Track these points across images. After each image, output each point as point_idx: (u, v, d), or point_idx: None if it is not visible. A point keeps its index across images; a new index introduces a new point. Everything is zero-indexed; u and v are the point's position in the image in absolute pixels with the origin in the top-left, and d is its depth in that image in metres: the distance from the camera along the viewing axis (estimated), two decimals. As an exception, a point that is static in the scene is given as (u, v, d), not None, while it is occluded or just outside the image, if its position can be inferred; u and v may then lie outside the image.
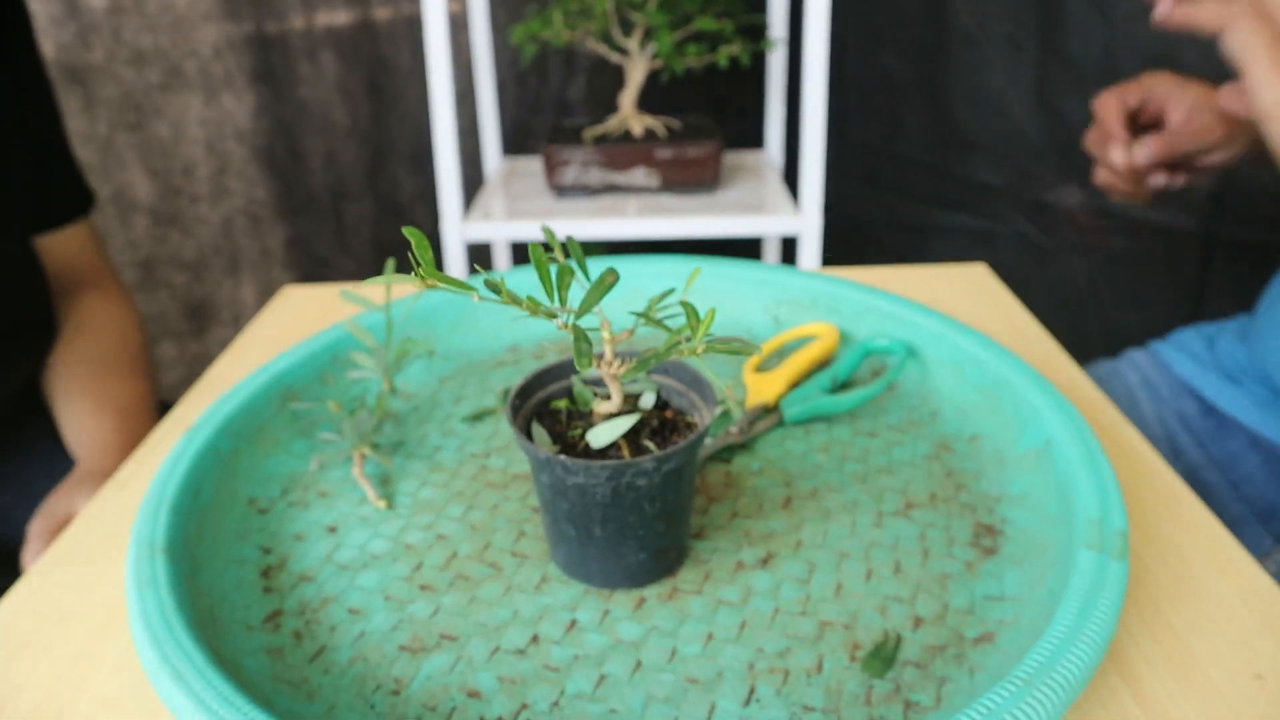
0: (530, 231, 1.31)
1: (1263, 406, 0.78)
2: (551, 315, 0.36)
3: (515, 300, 0.36)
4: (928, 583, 0.45)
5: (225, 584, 0.46)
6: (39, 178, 0.83)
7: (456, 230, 1.32)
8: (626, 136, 1.43)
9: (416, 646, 0.42)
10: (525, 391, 0.46)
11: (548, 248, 0.40)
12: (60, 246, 0.87)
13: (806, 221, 1.30)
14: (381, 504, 0.52)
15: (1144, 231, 1.53)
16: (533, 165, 1.50)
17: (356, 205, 1.56)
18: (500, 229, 1.34)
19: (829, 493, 0.52)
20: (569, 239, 0.42)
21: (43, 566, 0.49)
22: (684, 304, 0.37)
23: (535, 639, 0.43)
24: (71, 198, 0.88)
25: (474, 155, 1.54)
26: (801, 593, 0.45)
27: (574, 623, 0.43)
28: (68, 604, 0.47)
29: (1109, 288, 1.62)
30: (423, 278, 0.34)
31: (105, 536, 0.52)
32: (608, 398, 0.44)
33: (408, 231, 0.36)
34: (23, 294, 0.82)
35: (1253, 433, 0.79)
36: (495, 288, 0.36)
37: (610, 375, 0.41)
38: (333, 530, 0.51)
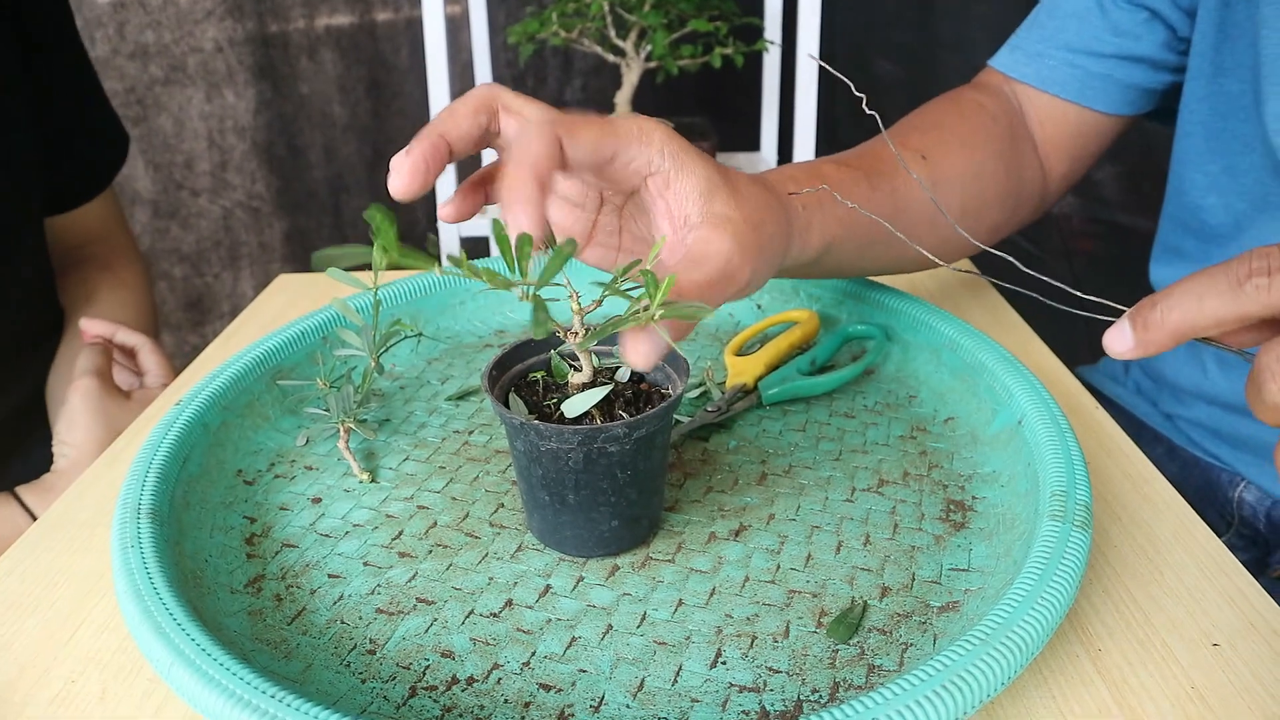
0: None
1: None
2: (509, 286, 0.37)
3: (475, 273, 0.37)
4: (896, 555, 0.46)
5: (209, 549, 0.47)
6: (81, 131, 0.84)
7: (452, 225, 1.34)
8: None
9: (393, 609, 0.43)
10: (503, 363, 0.47)
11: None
12: (87, 214, 0.88)
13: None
14: (365, 477, 0.53)
15: (1130, 236, 1.54)
16: (530, 163, 1.52)
17: (355, 200, 1.57)
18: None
19: (803, 470, 0.53)
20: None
21: (33, 533, 0.51)
22: (644, 272, 0.38)
23: (509, 603, 0.44)
24: (111, 144, 0.89)
25: (473, 154, 1.55)
26: (772, 563, 0.46)
27: (548, 588, 0.44)
28: (57, 567, 0.48)
29: (1094, 293, 1.63)
30: (385, 250, 0.35)
31: (96, 505, 0.53)
32: (582, 370, 0.45)
33: (372, 209, 0.37)
34: (41, 289, 0.83)
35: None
36: (456, 262, 0.37)
37: (577, 345, 0.42)
38: (317, 501, 0.52)
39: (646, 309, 0.37)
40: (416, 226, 1.64)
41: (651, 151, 0.44)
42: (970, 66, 0.81)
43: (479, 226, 1.34)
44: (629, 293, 0.39)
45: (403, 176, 0.43)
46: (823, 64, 0.42)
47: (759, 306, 0.71)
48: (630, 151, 0.44)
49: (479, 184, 0.48)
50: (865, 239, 0.57)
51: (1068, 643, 0.42)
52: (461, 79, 1.53)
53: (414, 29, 1.55)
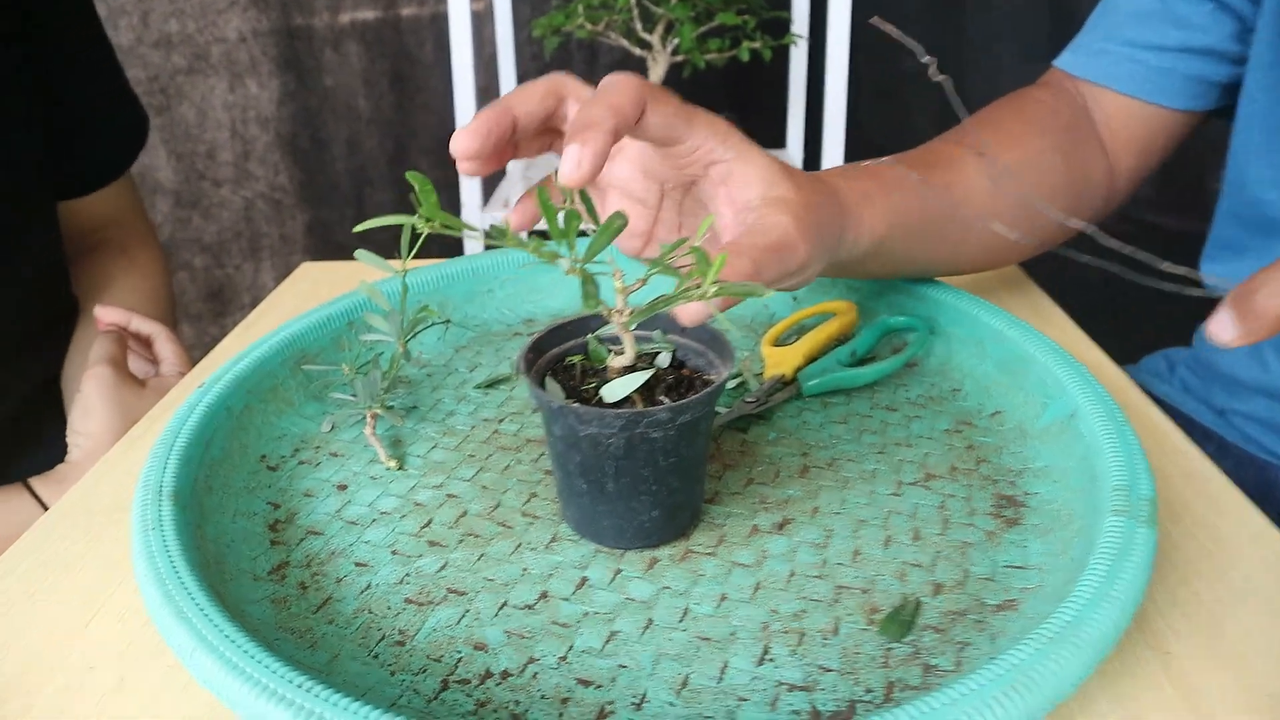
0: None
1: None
2: (554, 258, 0.35)
3: (521, 244, 0.35)
4: (948, 550, 0.44)
5: (232, 534, 0.45)
6: (101, 115, 0.82)
7: (476, 218, 1.32)
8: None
9: (423, 600, 0.42)
10: (539, 346, 0.45)
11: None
12: (102, 200, 0.87)
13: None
14: (392, 464, 0.52)
15: (1162, 235, 1.52)
16: (554, 160, 1.50)
17: (377, 193, 1.56)
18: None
19: (846, 463, 0.51)
20: (581, 191, 0.41)
21: (51, 517, 0.49)
22: (695, 250, 0.36)
23: (544, 595, 0.42)
24: (130, 126, 0.88)
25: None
26: (818, 557, 0.44)
27: (584, 580, 0.43)
28: (74, 554, 0.46)
29: (1126, 294, 1.60)
30: (427, 219, 0.33)
31: (114, 490, 0.51)
32: (623, 353, 0.43)
33: (411, 176, 0.36)
34: (53, 276, 0.81)
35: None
36: (500, 233, 0.35)
37: (621, 324, 0.40)
38: (342, 488, 0.50)
39: (698, 286, 0.35)
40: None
41: (716, 141, 0.46)
42: (998, 64, 0.79)
43: (501, 219, 1.33)
44: (677, 271, 0.37)
45: (465, 134, 0.43)
46: (889, 28, 0.40)
47: (794, 298, 0.69)
48: (699, 136, 0.46)
49: (505, 140, 0.47)
50: (918, 235, 0.56)
51: (1135, 645, 0.39)
52: (486, 73, 1.51)
53: (438, 23, 1.54)
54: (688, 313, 0.39)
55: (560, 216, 0.35)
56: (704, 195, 0.49)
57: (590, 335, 0.46)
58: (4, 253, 0.73)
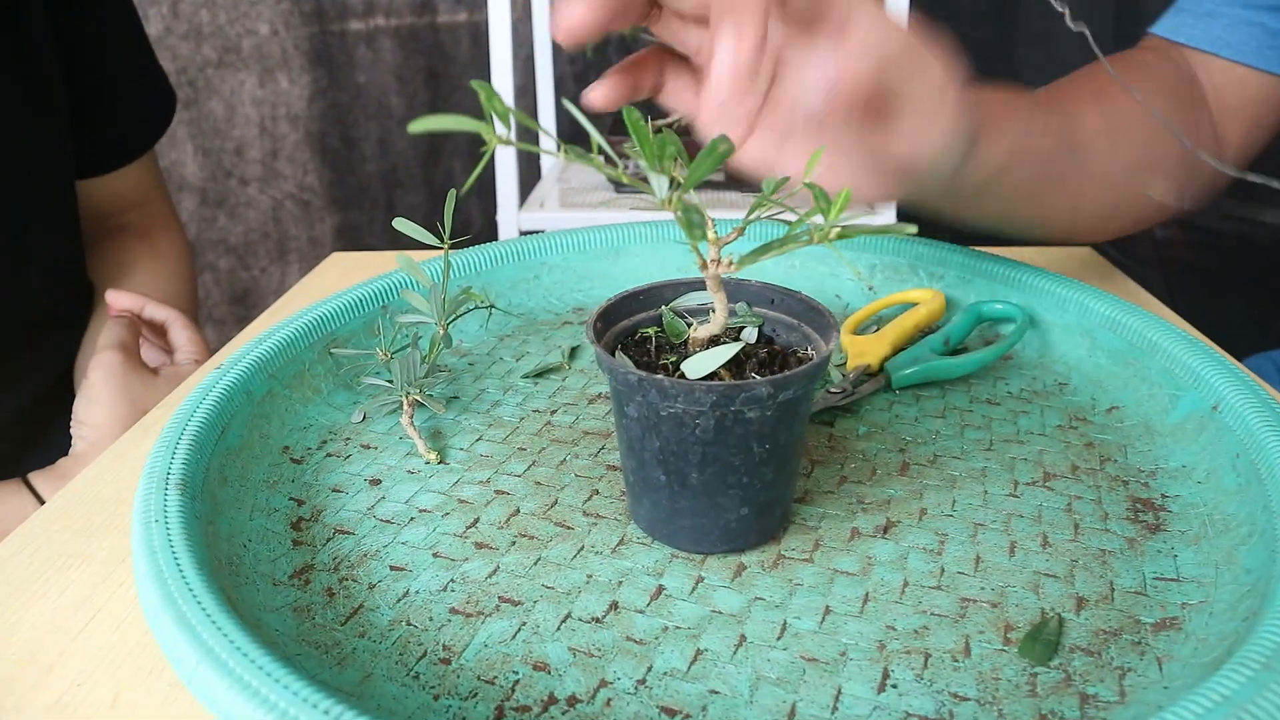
0: (586, 221, 1.25)
1: None
2: (645, 183, 0.29)
3: (602, 167, 0.29)
4: (1085, 559, 0.38)
5: (249, 532, 0.39)
6: (129, 93, 0.78)
7: (512, 219, 1.27)
8: (688, 130, 1.37)
9: (471, 610, 0.35)
10: (607, 316, 0.39)
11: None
12: (125, 179, 0.81)
13: (878, 220, 1.22)
14: (432, 456, 0.45)
15: (1228, 245, 1.44)
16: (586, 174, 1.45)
17: (409, 195, 1.51)
18: (555, 218, 1.28)
19: (951, 460, 0.45)
20: (664, 127, 0.35)
21: (49, 510, 0.43)
22: (810, 185, 0.30)
23: (614, 606, 0.35)
24: (156, 103, 0.83)
25: (532, 153, 1.49)
26: (934, 565, 0.37)
27: (660, 590, 0.36)
28: (71, 549, 0.40)
29: (1190, 305, 1.53)
30: (493, 131, 0.27)
31: (121, 481, 0.46)
32: (707, 323, 0.37)
33: (476, 84, 0.30)
34: (71, 262, 0.76)
35: None
36: (579, 154, 0.29)
37: (714, 280, 0.34)
38: (375, 483, 0.44)
39: (819, 228, 0.29)
40: (471, 226, 1.58)
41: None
42: (1054, 59, 0.72)
43: (536, 221, 1.28)
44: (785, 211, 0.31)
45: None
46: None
47: (870, 288, 0.63)
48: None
49: (631, 69, 0.41)
50: (1038, 174, 0.51)
51: (1335, 674, 0.32)
52: (523, 73, 1.47)
53: (475, 27, 1.49)
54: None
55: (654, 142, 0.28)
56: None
57: (665, 306, 0.40)
58: (21, 238, 0.68)
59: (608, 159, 0.31)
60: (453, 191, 0.49)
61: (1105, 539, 0.39)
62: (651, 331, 0.39)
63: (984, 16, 1.48)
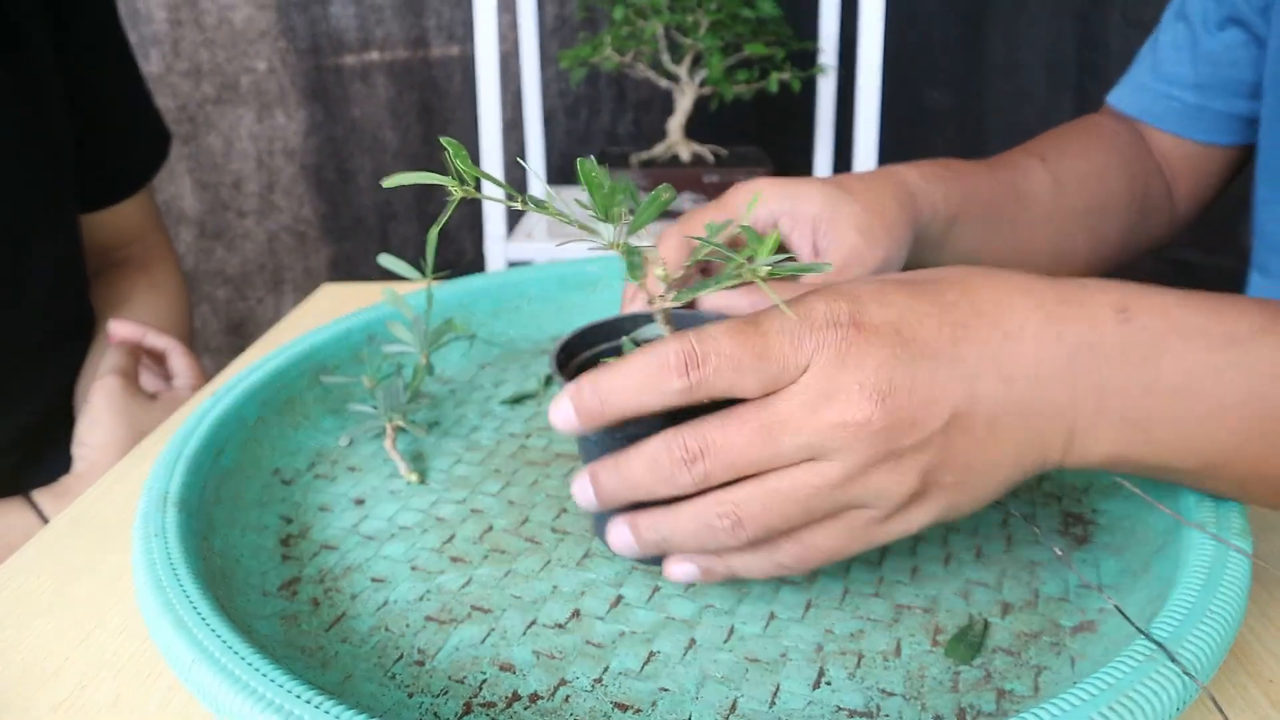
0: (572, 252, 1.28)
1: None
2: (593, 232, 0.32)
3: (564, 216, 0.33)
4: (1014, 569, 0.41)
5: (241, 548, 0.42)
6: (120, 130, 0.81)
7: (500, 249, 1.30)
8: (674, 161, 1.41)
9: (445, 617, 0.38)
10: (569, 348, 0.42)
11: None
12: (122, 215, 0.85)
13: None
14: (413, 478, 0.49)
15: (1187, 272, 1.48)
16: (579, 194, 1.48)
17: (403, 227, 1.55)
18: (542, 249, 1.32)
19: (899, 479, 0.48)
20: (621, 176, 0.38)
21: (55, 528, 0.46)
22: (744, 228, 0.33)
23: (576, 614, 0.38)
24: (152, 139, 0.86)
25: (521, 185, 1.53)
26: (874, 575, 0.40)
27: (619, 599, 0.39)
28: (76, 565, 0.43)
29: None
30: (461, 179, 0.31)
31: (122, 502, 0.49)
32: None
33: (445, 141, 0.33)
34: (71, 288, 0.79)
35: None
36: (538, 203, 0.32)
37: (662, 313, 0.37)
38: (359, 503, 0.47)
39: (750, 264, 0.32)
40: (464, 257, 1.61)
41: (770, 207, 0.47)
42: (1022, 93, 0.77)
43: (525, 251, 1.31)
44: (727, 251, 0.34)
45: None
46: None
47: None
48: (752, 216, 0.47)
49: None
50: (989, 225, 0.56)
51: (1232, 672, 0.35)
52: (513, 107, 1.51)
53: (467, 60, 1.54)
54: (745, 301, 0.39)
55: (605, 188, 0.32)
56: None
57: (625, 338, 0.43)
58: (22, 259, 0.71)
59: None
60: (434, 230, 0.52)
61: (1035, 551, 0.42)
62: (611, 362, 0.42)
63: (956, 51, 1.53)
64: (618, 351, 0.43)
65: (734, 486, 0.33)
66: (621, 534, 0.36)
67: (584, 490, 0.36)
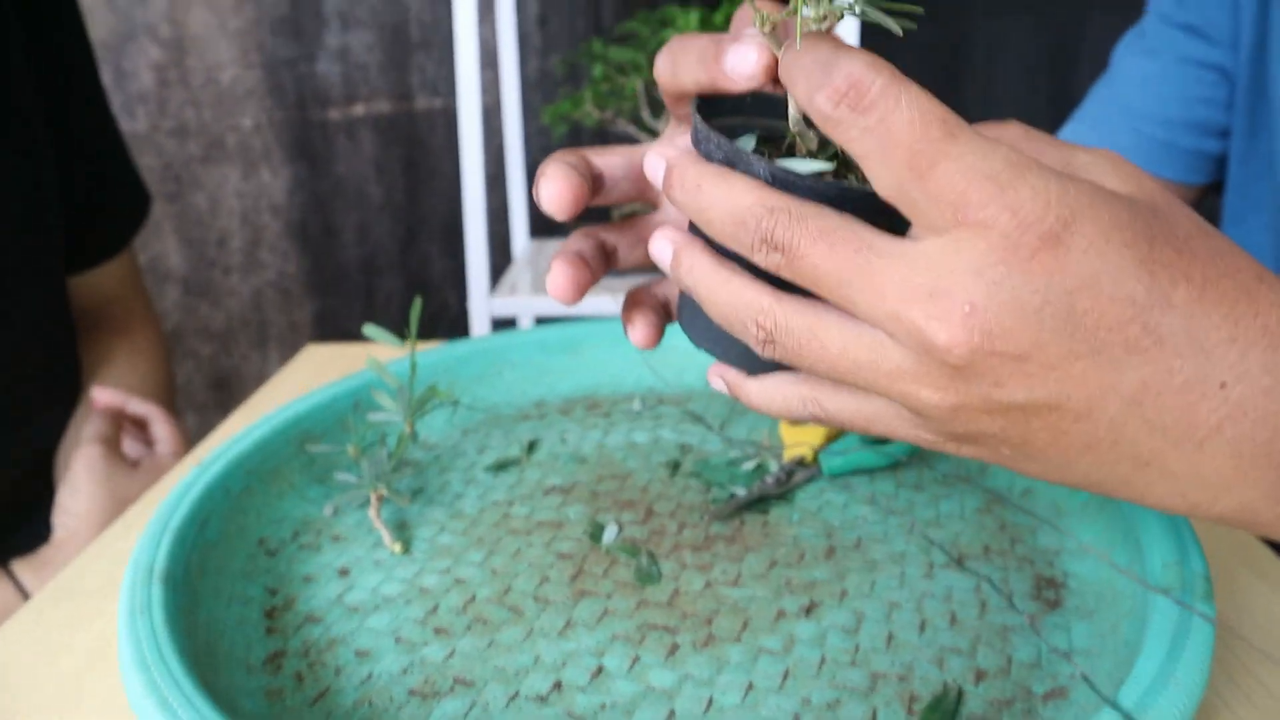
0: (555, 306, 1.30)
1: None
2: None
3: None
4: (988, 635, 0.41)
5: (226, 621, 0.43)
6: (95, 190, 0.82)
7: (483, 304, 1.32)
8: (657, 216, 1.43)
9: (428, 691, 0.39)
10: (704, 110, 0.34)
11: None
12: (104, 277, 0.86)
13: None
14: (397, 548, 0.49)
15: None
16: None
17: (387, 281, 1.56)
18: (525, 304, 1.33)
19: (874, 544, 0.49)
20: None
21: (34, 604, 0.47)
22: None
23: (558, 685, 0.39)
24: (133, 202, 0.87)
25: (504, 239, 1.55)
26: (850, 643, 0.41)
27: (600, 669, 0.40)
28: (56, 641, 0.44)
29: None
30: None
31: (105, 574, 0.49)
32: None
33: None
34: (53, 351, 0.80)
35: None
36: None
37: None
38: (344, 573, 0.47)
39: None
40: (448, 310, 1.63)
41: None
42: (992, 101, 0.79)
43: (509, 306, 1.32)
44: None
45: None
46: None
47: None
48: None
49: (577, 260, 0.39)
50: None
51: (1198, 737, 0.36)
52: (495, 161, 1.53)
53: (451, 114, 1.56)
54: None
55: None
56: None
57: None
58: (9, 320, 0.72)
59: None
60: (418, 300, 0.53)
61: (1008, 616, 0.43)
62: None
63: (930, 50, 1.57)
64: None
65: (791, 304, 0.30)
66: (662, 247, 0.33)
67: (655, 171, 0.33)
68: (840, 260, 0.28)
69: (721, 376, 0.37)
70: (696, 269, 0.32)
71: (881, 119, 0.27)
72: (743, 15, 0.35)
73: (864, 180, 0.31)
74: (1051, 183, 0.27)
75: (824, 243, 0.28)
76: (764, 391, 0.35)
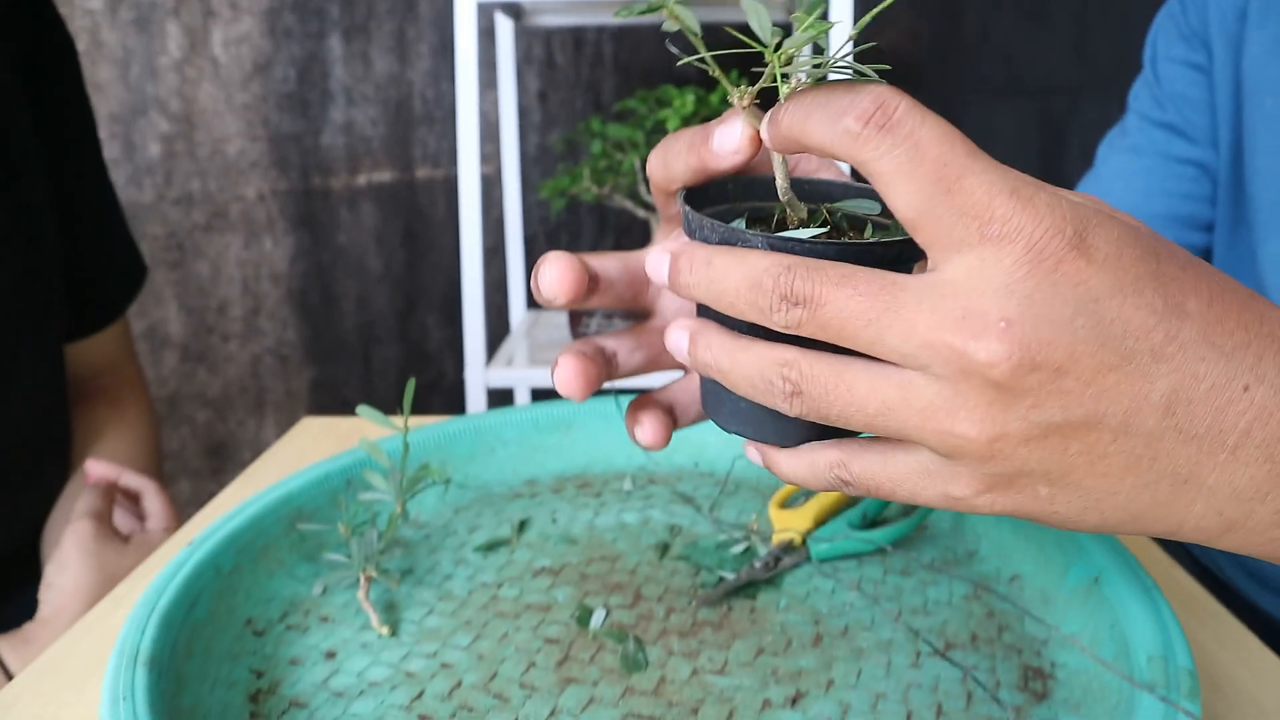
0: (550, 378, 1.31)
1: None
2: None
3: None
4: (973, 729, 0.41)
5: (209, 706, 0.42)
6: (93, 260, 0.83)
7: (479, 376, 1.32)
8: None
9: (411, 781, 0.39)
10: (692, 200, 0.37)
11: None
12: (96, 346, 0.86)
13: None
14: (385, 630, 0.49)
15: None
16: (558, 319, 1.52)
17: (385, 350, 1.57)
18: (521, 375, 1.34)
19: (861, 631, 0.49)
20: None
21: (18, 684, 0.46)
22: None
23: (541, 777, 0.39)
24: (129, 271, 0.88)
25: (502, 309, 1.56)
26: (834, 735, 0.41)
27: (584, 760, 0.40)
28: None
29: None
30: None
31: (92, 653, 0.49)
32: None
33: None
34: (53, 410, 0.80)
35: None
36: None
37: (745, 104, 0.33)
38: (331, 656, 0.47)
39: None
40: (445, 379, 1.63)
41: None
42: (991, 112, 0.80)
43: (505, 377, 1.33)
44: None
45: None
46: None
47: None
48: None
49: (584, 360, 0.41)
50: None
51: (1183, 839, 0.36)
52: (494, 233, 1.55)
53: (451, 184, 1.59)
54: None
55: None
56: None
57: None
58: (7, 387, 0.72)
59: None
60: (411, 380, 0.54)
61: (994, 709, 0.43)
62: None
63: (916, 66, 1.60)
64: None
65: (815, 352, 0.30)
66: (679, 335, 0.33)
67: (658, 267, 0.33)
68: (866, 300, 0.28)
69: (755, 448, 0.37)
70: (715, 344, 0.33)
71: (910, 134, 0.28)
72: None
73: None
74: (1062, 199, 0.28)
75: (848, 286, 0.29)
76: (793, 460, 0.35)
